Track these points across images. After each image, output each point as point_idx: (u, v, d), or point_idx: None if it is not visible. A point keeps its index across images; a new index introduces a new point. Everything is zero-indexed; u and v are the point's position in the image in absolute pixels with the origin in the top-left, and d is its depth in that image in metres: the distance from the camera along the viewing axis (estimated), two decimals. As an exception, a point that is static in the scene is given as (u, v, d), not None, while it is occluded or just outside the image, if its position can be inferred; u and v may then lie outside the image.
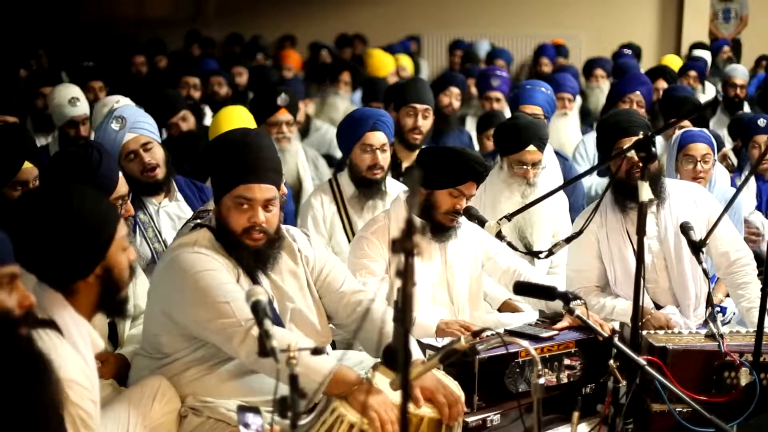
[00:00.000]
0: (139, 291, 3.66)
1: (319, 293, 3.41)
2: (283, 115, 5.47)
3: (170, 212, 4.29)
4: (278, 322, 3.15)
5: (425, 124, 5.35)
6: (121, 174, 3.62)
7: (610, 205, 4.15)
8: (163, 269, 3.24)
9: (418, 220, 3.70)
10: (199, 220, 3.43)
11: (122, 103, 4.96)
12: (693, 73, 8.30)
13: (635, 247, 4.08)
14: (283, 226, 3.39)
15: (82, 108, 5.65)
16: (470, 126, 7.38)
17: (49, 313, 2.37)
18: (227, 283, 3.09)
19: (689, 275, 4.10)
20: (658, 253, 4.13)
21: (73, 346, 2.35)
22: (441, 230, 3.84)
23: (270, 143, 3.36)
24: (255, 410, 2.47)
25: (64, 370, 2.25)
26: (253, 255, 3.20)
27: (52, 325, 2.34)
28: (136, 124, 4.22)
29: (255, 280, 3.22)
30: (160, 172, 4.24)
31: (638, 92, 6.24)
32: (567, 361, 3.48)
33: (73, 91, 5.75)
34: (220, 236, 3.20)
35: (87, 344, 2.43)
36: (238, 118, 5.11)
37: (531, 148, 4.51)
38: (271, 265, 3.26)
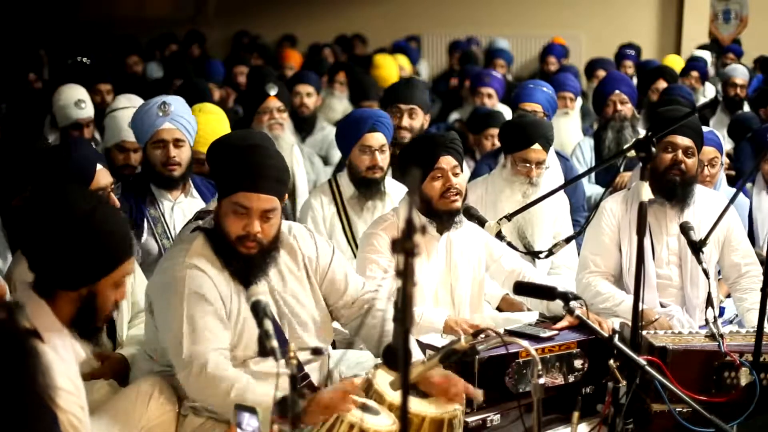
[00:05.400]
0: (137, 289, 3.66)
1: (322, 293, 3.37)
2: (273, 102, 5.43)
3: (185, 208, 4.30)
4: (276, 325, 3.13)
5: (411, 123, 5.33)
6: (101, 167, 3.59)
7: (638, 196, 4.14)
8: (153, 282, 3.24)
9: (419, 220, 3.71)
10: (200, 221, 3.34)
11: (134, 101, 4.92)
12: (695, 73, 8.29)
13: (653, 240, 4.11)
14: (286, 223, 3.33)
15: (88, 111, 5.63)
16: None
17: (31, 319, 2.35)
18: (204, 314, 3.03)
19: (701, 276, 4.09)
20: (675, 251, 4.13)
21: (54, 353, 2.34)
22: (447, 216, 3.82)
23: (278, 151, 3.30)
24: (251, 410, 2.46)
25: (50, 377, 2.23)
26: (244, 263, 3.13)
27: (32, 333, 2.31)
28: (178, 118, 4.22)
29: (247, 285, 3.16)
30: (178, 171, 4.24)
31: (618, 91, 6.23)
32: (569, 362, 3.48)
33: (79, 93, 5.71)
34: (216, 239, 3.15)
35: (69, 351, 2.43)
36: (215, 123, 4.82)
37: (536, 146, 4.51)
38: (260, 275, 3.17)
